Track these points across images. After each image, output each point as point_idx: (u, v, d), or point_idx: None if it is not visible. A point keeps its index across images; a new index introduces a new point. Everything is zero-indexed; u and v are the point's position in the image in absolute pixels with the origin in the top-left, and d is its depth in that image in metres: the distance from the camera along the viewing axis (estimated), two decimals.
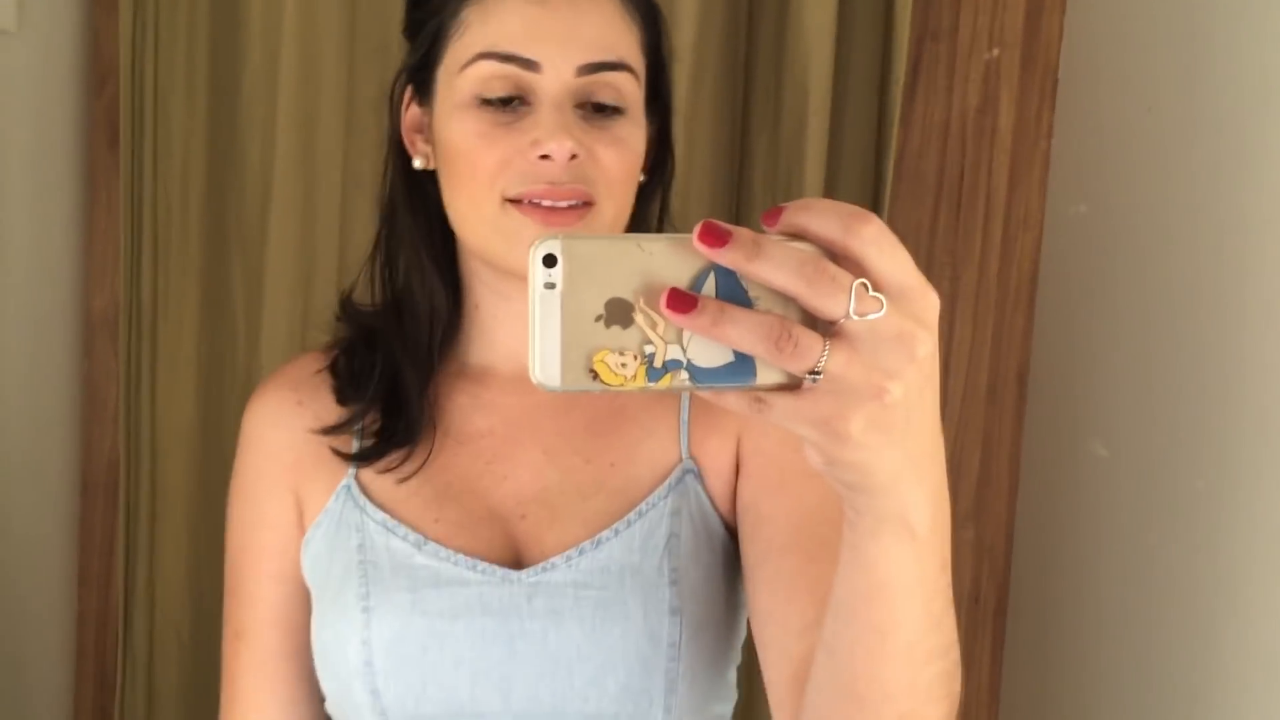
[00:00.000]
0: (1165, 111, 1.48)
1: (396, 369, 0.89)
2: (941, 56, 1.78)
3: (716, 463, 0.87)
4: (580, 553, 0.83)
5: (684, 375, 0.47)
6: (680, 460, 0.87)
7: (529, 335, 0.47)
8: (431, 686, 0.82)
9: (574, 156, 0.80)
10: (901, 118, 1.75)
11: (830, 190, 1.74)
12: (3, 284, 1.57)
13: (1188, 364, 1.40)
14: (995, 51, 1.76)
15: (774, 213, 0.47)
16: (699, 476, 0.87)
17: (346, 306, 0.94)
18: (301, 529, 0.90)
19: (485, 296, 0.90)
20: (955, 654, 0.61)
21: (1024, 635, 1.84)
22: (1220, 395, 1.33)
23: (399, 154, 0.90)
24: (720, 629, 0.85)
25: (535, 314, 0.46)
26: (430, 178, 0.89)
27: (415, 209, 0.90)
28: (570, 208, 0.81)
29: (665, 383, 0.47)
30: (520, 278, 0.82)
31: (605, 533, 0.84)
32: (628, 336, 0.46)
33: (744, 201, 1.76)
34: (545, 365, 0.47)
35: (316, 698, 0.92)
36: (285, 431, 0.90)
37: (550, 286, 0.46)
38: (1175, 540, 1.40)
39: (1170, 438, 1.43)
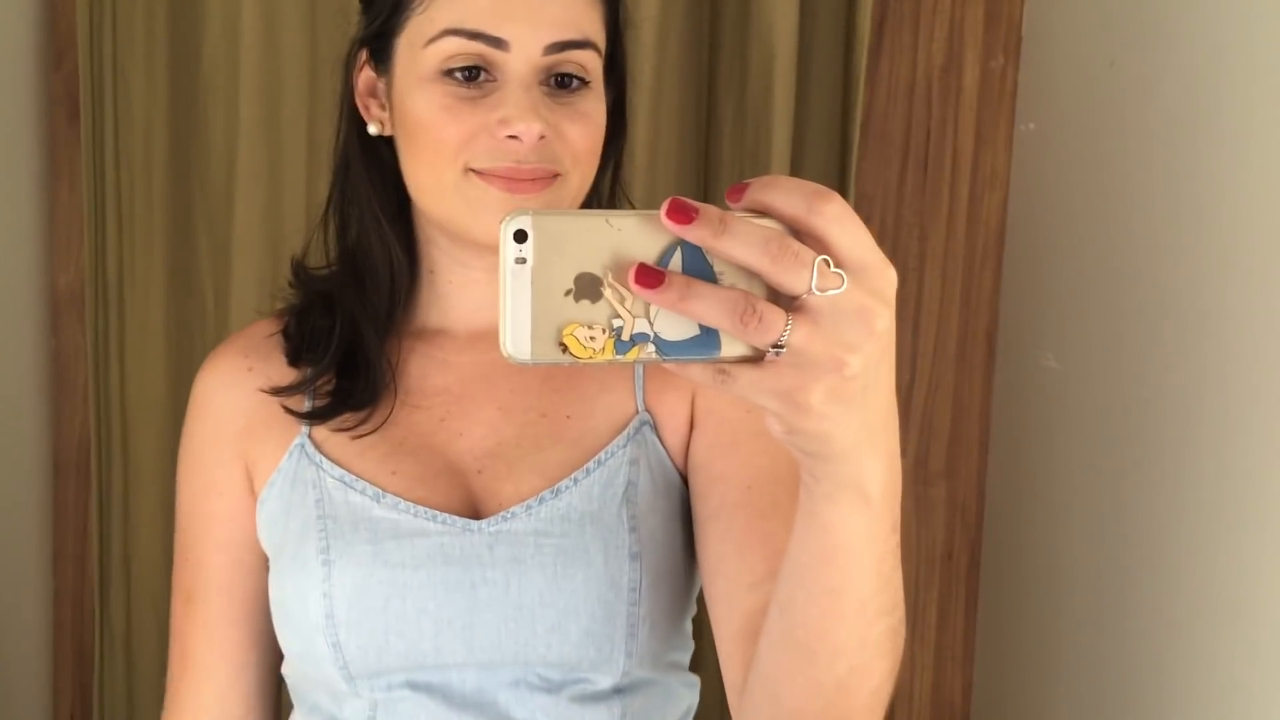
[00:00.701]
0: (1127, 66, 1.49)
1: (355, 331, 0.89)
2: (906, 15, 1.78)
3: (672, 418, 0.88)
4: (540, 501, 0.84)
5: (651, 348, 0.48)
6: (636, 412, 0.88)
7: (500, 308, 0.47)
8: (394, 637, 0.82)
9: (542, 137, 0.81)
10: (867, 78, 1.75)
11: (798, 153, 1.74)
12: None
13: (1155, 318, 1.41)
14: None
15: (739, 189, 0.48)
16: (655, 428, 0.88)
17: (299, 271, 0.94)
18: (252, 494, 0.90)
19: (440, 261, 0.90)
20: (901, 611, 0.64)
21: (996, 590, 1.87)
22: (1190, 351, 1.34)
23: (352, 118, 0.90)
24: (678, 576, 0.86)
25: (506, 288, 0.47)
26: (385, 143, 0.89)
27: (370, 172, 0.90)
28: (535, 179, 0.82)
29: (633, 355, 0.48)
30: (480, 246, 0.83)
31: (565, 481, 0.85)
32: (596, 310, 0.47)
33: (711, 165, 1.76)
34: (516, 338, 0.47)
35: (267, 663, 0.93)
36: (234, 397, 0.90)
37: (521, 261, 0.47)
38: (1145, 495, 1.42)
39: (1141, 393, 1.45)
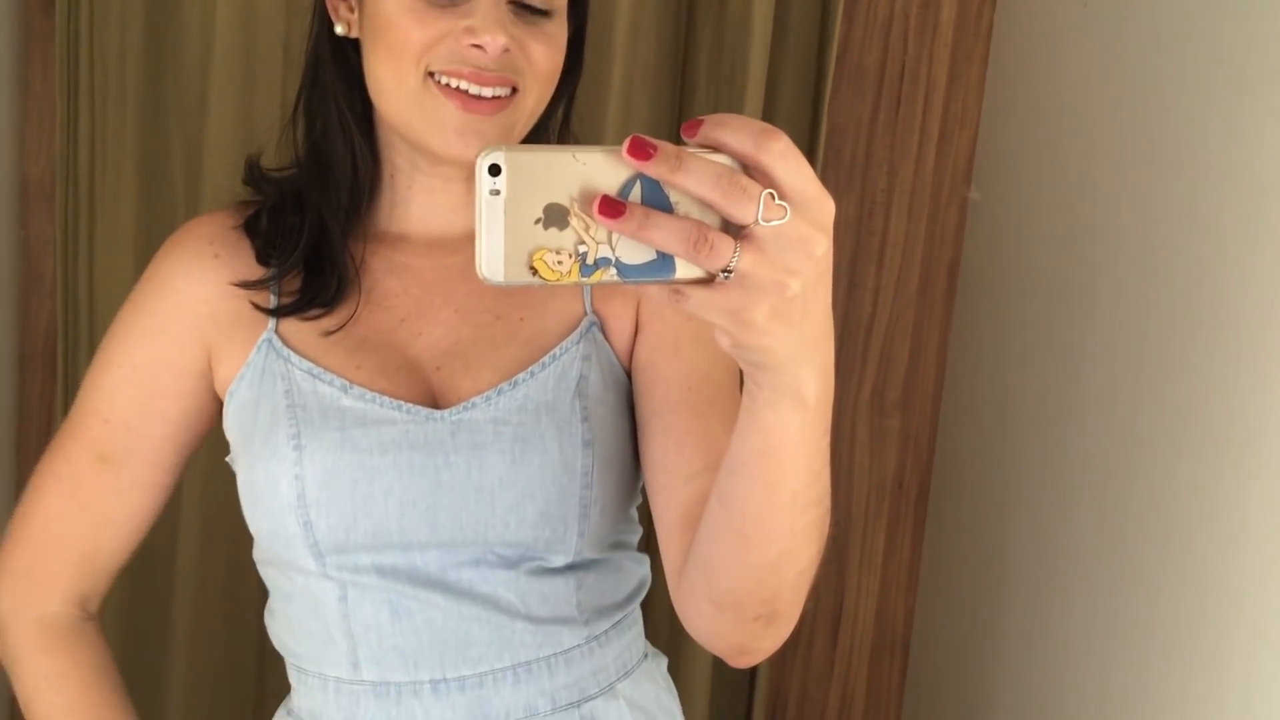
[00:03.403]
0: (1100, 6, 1.51)
1: (321, 229, 0.92)
2: None
3: (618, 322, 0.93)
4: (499, 393, 0.88)
5: (613, 271, 0.52)
6: (585, 314, 0.93)
7: (476, 235, 0.52)
8: (361, 517, 0.85)
9: (506, 50, 0.83)
10: (845, 11, 1.76)
11: (773, 82, 1.76)
12: None
13: (1116, 256, 1.45)
14: None
15: (693, 125, 0.53)
16: (602, 330, 0.93)
17: (253, 170, 0.96)
18: (206, 379, 0.93)
19: (400, 166, 0.93)
20: (828, 503, 0.71)
21: (943, 522, 1.92)
22: (1151, 284, 1.38)
23: (323, 18, 0.92)
24: (626, 464, 0.91)
25: (481, 217, 0.51)
26: (354, 45, 0.91)
27: (339, 73, 0.92)
28: (494, 98, 0.85)
29: (596, 277, 0.52)
30: (436, 156, 0.86)
31: (521, 375, 0.89)
32: (564, 237, 0.52)
33: (687, 91, 1.77)
34: (490, 262, 0.52)
35: (136, 542, 0.97)
36: (201, 284, 0.91)
37: (495, 193, 0.51)
38: (1093, 436, 1.47)
39: (1094, 328, 1.48)
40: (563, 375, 0.90)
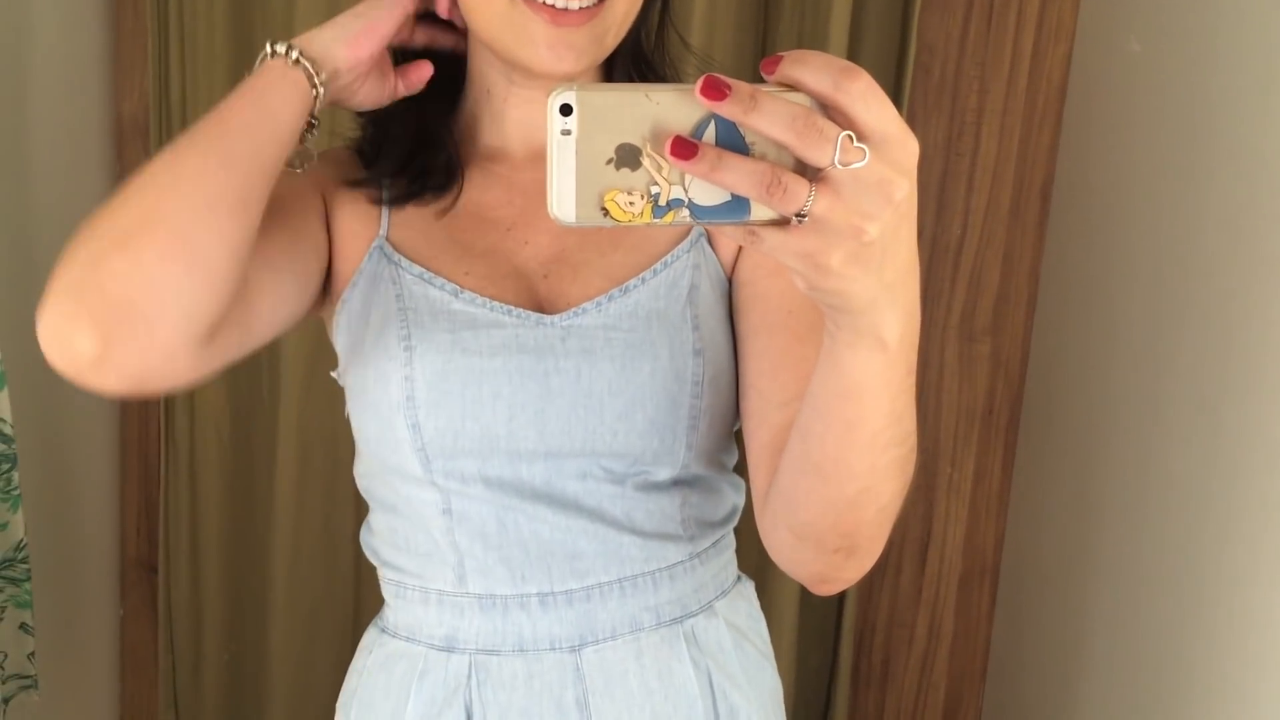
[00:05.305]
0: None
1: (423, 129, 0.93)
2: None
3: (723, 234, 0.90)
4: (609, 299, 0.88)
5: (685, 212, 0.52)
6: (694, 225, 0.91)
7: (547, 175, 0.51)
8: (469, 421, 0.85)
9: None
10: None
11: (860, 1, 1.72)
12: (34, 93, 1.59)
13: (1218, 175, 1.40)
14: None
15: (772, 61, 0.51)
16: (710, 240, 0.92)
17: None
18: (325, 246, 0.89)
19: (496, 82, 0.93)
20: (912, 440, 0.70)
21: (1034, 448, 1.89)
22: (1258, 199, 1.33)
23: None
24: (732, 378, 0.90)
25: (553, 157, 0.51)
26: None
27: None
28: (581, 9, 0.84)
29: (668, 219, 0.52)
30: (528, 70, 0.85)
31: (632, 281, 0.88)
32: (635, 178, 0.51)
33: (772, 11, 1.74)
34: (561, 202, 0.52)
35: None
36: (323, 171, 0.91)
37: (566, 133, 0.51)
38: (1189, 349, 1.43)
39: (1194, 249, 1.44)
40: (674, 283, 0.89)
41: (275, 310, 0.82)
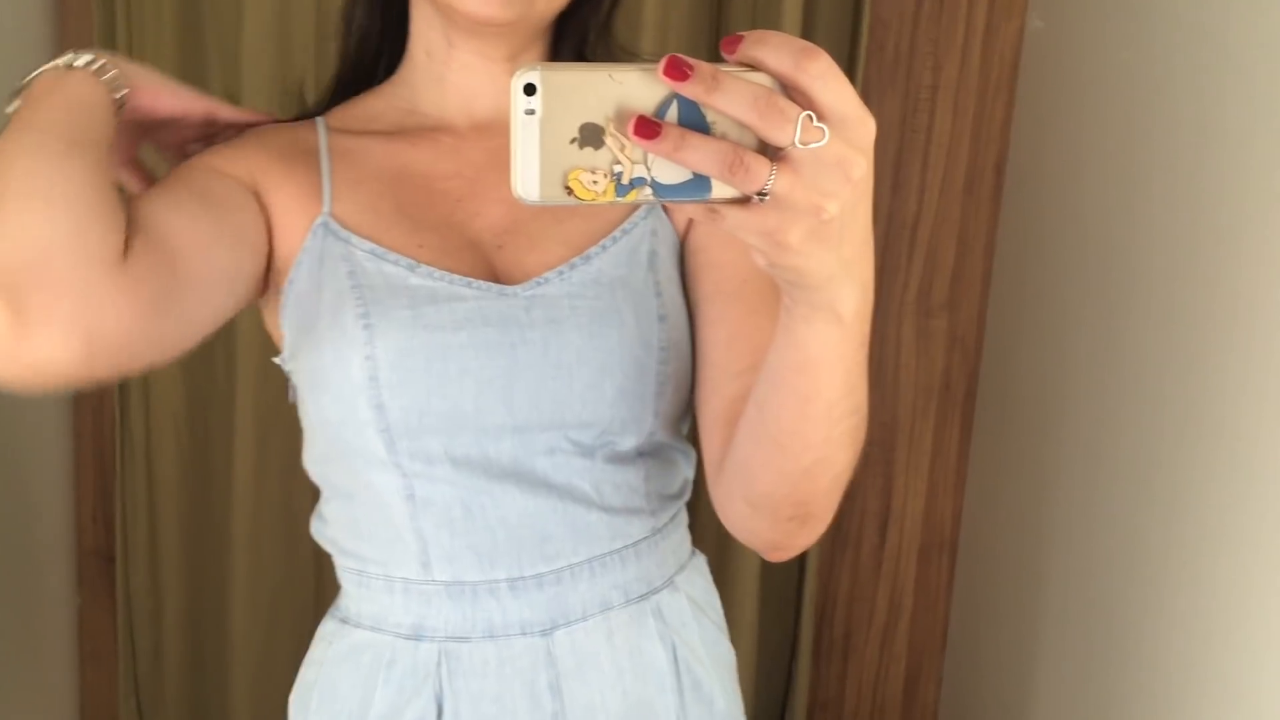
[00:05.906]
0: None
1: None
2: None
3: (683, 212, 0.90)
4: (571, 268, 0.87)
5: (648, 191, 0.52)
6: None
7: (510, 154, 0.52)
8: (436, 398, 0.83)
9: None
10: None
11: None
12: None
13: (1170, 151, 1.41)
14: None
15: (732, 41, 0.52)
16: (664, 208, 0.91)
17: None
18: (266, 225, 0.86)
19: (436, 42, 0.92)
20: (864, 411, 0.72)
21: (990, 422, 1.91)
22: (1207, 176, 1.35)
23: None
24: (689, 344, 0.90)
25: (516, 137, 0.52)
26: None
27: None
28: None
29: (631, 197, 0.52)
30: (463, 18, 0.84)
31: (593, 249, 0.88)
32: (599, 157, 0.52)
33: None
34: (525, 181, 0.52)
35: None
36: (247, 154, 0.87)
37: (530, 113, 0.51)
38: (1142, 325, 1.45)
39: (1147, 225, 1.46)
40: (634, 250, 0.89)
41: (212, 288, 0.77)
